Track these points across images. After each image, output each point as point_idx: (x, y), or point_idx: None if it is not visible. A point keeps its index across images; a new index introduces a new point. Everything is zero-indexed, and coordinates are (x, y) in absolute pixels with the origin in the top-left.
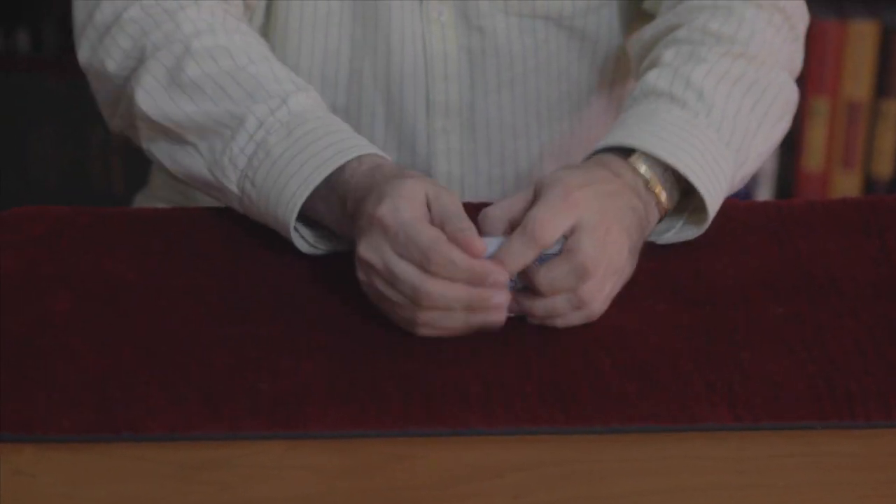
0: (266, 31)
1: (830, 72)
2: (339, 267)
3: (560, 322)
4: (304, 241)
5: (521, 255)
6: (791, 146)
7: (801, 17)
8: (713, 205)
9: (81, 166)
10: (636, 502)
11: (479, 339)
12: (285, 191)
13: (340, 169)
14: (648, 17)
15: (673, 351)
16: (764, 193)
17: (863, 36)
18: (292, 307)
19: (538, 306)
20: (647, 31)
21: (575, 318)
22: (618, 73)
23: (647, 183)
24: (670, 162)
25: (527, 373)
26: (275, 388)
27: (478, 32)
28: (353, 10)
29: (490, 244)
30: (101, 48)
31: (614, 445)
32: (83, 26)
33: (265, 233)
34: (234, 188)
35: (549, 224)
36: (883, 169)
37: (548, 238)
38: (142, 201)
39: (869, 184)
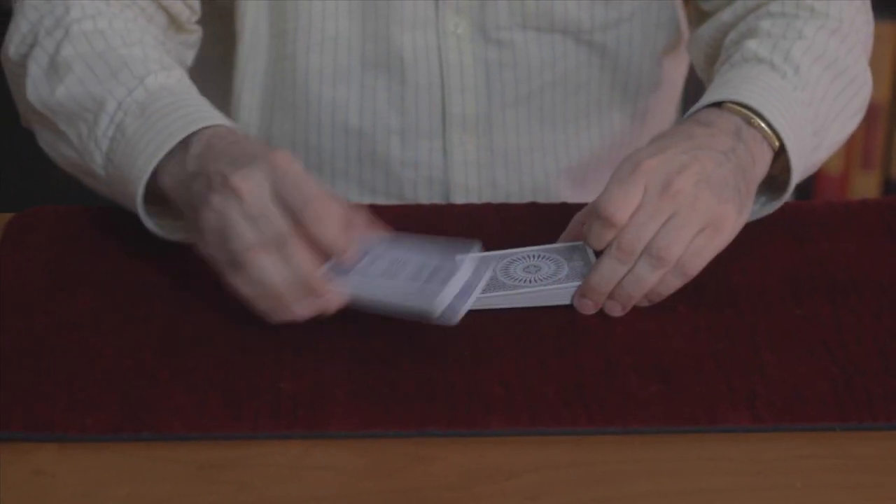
0: (274, 54)
1: None
2: None
3: (660, 290)
4: (153, 223)
5: (600, 235)
6: None
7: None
8: (796, 177)
9: None
10: (656, 503)
11: (501, 341)
12: (134, 168)
13: (185, 141)
14: (667, 30)
15: (694, 352)
16: None
17: (881, 37)
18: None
19: (624, 287)
20: (712, 23)
21: (670, 280)
22: (640, 89)
23: (748, 119)
24: (775, 125)
25: (548, 374)
26: (295, 388)
27: (495, 45)
28: (362, 28)
29: (464, 263)
30: (8, 34)
31: (634, 446)
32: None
33: None
34: (101, 172)
35: (620, 199)
36: None
37: (621, 214)
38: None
39: (888, 185)
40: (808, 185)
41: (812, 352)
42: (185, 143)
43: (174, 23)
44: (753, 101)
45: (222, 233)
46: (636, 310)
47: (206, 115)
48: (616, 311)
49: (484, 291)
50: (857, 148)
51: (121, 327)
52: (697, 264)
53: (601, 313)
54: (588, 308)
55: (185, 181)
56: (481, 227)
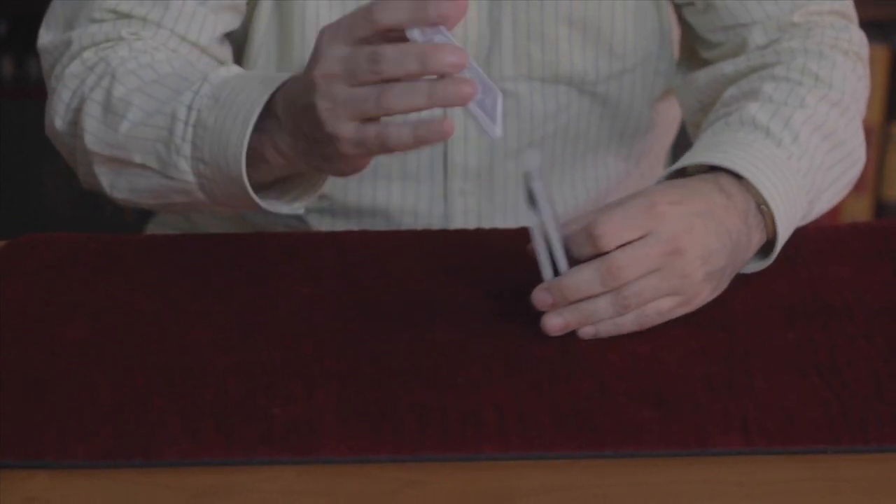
0: None
1: None
2: (352, 293)
3: (605, 328)
4: (273, 200)
5: (581, 246)
6: None
7: (868, 64)
8: (781, 243)
9: (93, 195)
10: None
11: (494, 366)
12: (229, 148)
13: (271, 101)
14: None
15: (687, 376)
16: None
17: (874, 61)
18: (305, 333)
19: (580, 308)
20: (711, 72)
21: (620, 323)
22: (636, 134)
23: (759, 205)
24: (770, 202)
25: (541, 399)
26: (287, 414)
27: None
28: None
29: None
30: (50, 109)
31: (627, 470)
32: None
33: (276, 258)
34: (191, 178)
35: (618, 228)
36: (894, 192)
37: (609, 242)
38: (153, 229)
39: (880, 208)
40: None
41: (805, 376)
42: (269, 108)
43: None
44: (759, 184)
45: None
46: (629, 334)
47: (277, 77)
48: (557, 328)
49: None
50: None
51: (113, 355)
52: (652, 321)
53: (594, 339)
54: (544, 303)
55: (295, 119)
56: (479, 253)
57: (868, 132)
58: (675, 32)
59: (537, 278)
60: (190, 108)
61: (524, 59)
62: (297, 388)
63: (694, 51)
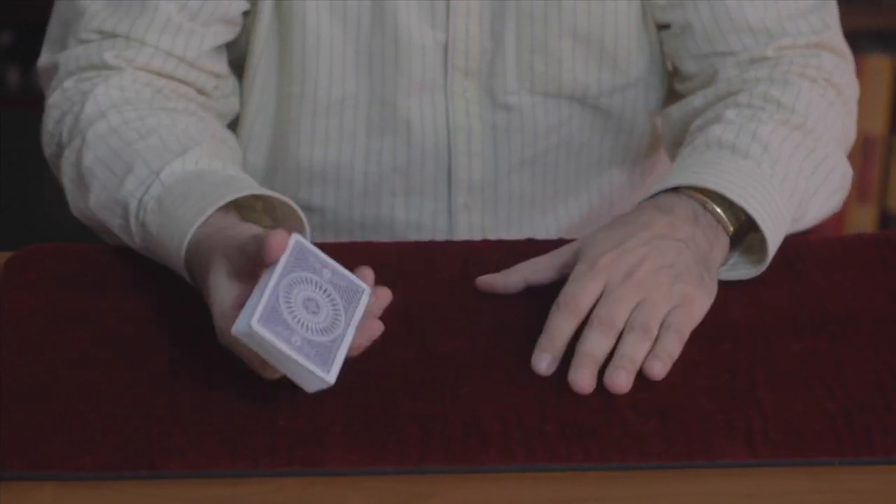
0: (280, 118)
1: None
2: None
3: (662, 351)
4: None
5: (564, 326)
6: None
7: (853, 92)
8: (774, 241)
9: None
10: None
11: (498, 379)
12: (171, 256)
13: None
14: (661, 91)
15: (691, 388)
16: None
17: (877, 71)
18: None
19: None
20: (682, 106)
21: (667, 341)
22: (640, 148)
23: (704, 204)
24: (730, 196)
25: (545, 412)
26: (293, 427)
27: (503, 109)
28: (370, 91)
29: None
30: (42, 137)
31: (633, 482)
32: None
33: None
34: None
35: (581, 296)
36: None
37: (580, 303)
38: None
39: (885, 218)
40: None
41: (810, 387)
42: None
43: (202, 92)
44: (710, 183)
45: None
46: None
47: (227, 186)
48: (622, 380)
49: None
50: (853, 181)
51: (118, 366)
52: (687, 323)
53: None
54: (586, 379)
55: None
56: (482, 264)
57: (872, 143)
58: None
59: (543, 289)
60: (140, 204)
61: (527, 73)
62: (301, 400)
63: (671, 86)
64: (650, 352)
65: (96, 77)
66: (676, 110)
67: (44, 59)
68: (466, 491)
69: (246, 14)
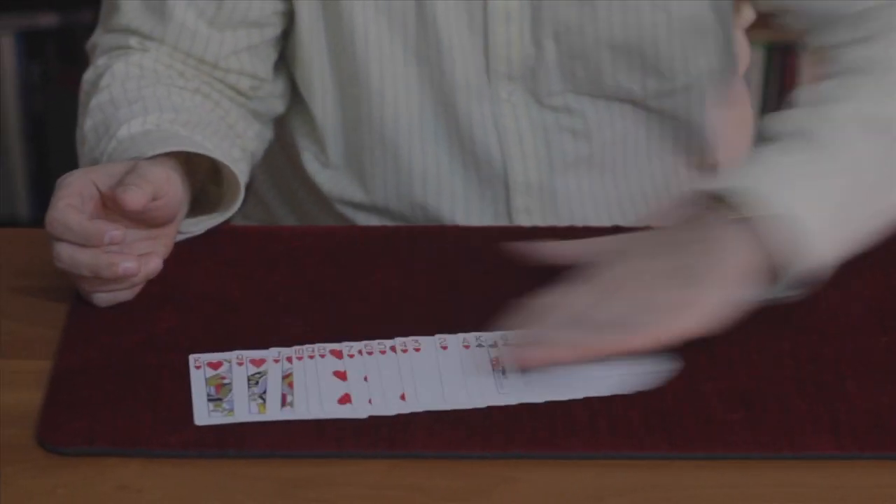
0: (346, 119)
1: None
2: (445, 286)
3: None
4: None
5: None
6: None
7: None
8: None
9: None
10: None
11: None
12: None
13: None
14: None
15: (777, 379)
16: None
17: None
18: (396, 326)
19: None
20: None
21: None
22: (701, 152)
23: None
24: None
25: (631, 400)
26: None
27: (550, 110)
28: (419, 93)
29: None
30: None
31: (715, 472)
32: None
33: (367, 250)
34: None
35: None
36: None
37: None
38: (237, 221)
39: None
40: None
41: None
42: None
43: (233, 88)
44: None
45: None
46: (718, 336)
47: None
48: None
49: None
50: None
51: (204, 345)
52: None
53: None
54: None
55: None
56: None
57: None
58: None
59: None
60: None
61: (570, 76)
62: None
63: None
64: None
65: (123, 54)
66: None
67: (91, 39)
68: (552, 476)
69: (284, 16)
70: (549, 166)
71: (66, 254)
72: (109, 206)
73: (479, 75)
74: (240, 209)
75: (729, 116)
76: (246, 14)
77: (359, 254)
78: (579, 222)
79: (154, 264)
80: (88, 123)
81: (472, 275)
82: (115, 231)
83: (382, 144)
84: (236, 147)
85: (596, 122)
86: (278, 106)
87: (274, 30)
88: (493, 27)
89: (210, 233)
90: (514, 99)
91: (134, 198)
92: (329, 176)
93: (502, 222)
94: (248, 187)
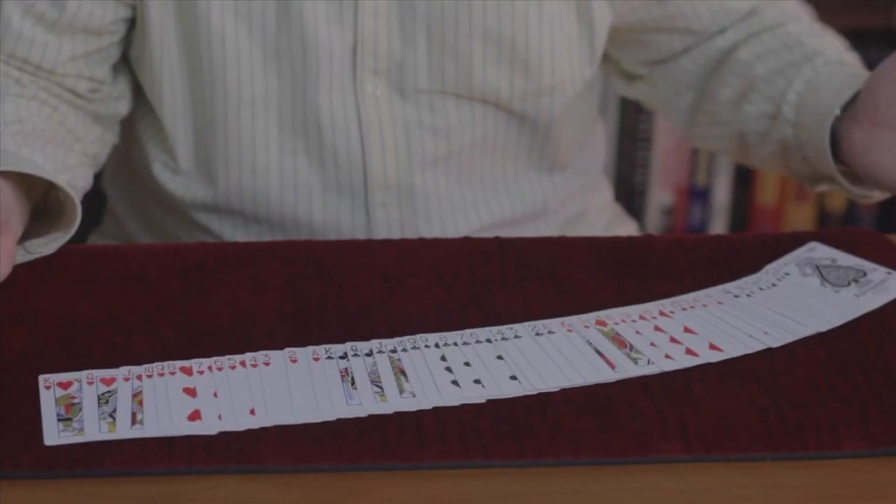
0: (197, 122)
1: None
2: (294, 303)
3: None
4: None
5: None
6: (746, 180)
7: None
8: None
9: None
10: None
11: None
12: None
13: None
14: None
15: (626, 384)
16: (718, 226)
17: None
18: (247, 341)
19: None
20: (691, 58)
21: None
22: (560, 153)
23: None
24: None
25: (481, 407)
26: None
27: (413, 106)
28: (279, 92)
29: None
30: None
31: (567, 478)
32: None
33: (217, 267)
34: None
35: None
36: (836, 203)
37: None
38: (94, 240)
39: (822, 217)
40: (743, 217)
41: (742, 382)
42: None
43: (72, 91)
44: None
45: None
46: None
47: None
48: None
49: None
50: (791, 180)
51: (56, 365)
52: None
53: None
54: None
55: None
56: (420, 261)
57: None
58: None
59: (480, 284)
60: None
61: (438, 73)
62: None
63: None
64: None
65: None
66: (688, 60)
67: None
68: (403, 487)
69: (126, 22)
70: (409, 163)
71: None
72: None
73: (343, 70)
74: (97, 228)
75: None
76: (87, 21)
77: (209, 271)
78: (436, 220)
79: None
80: None
81: (322, 288)
82: None
83: (237, 145)
84: (74, 153)
85: (457, 123)
86: (120, 107)
87: (114, 36)
88: (363, 21)
89: (61, 252)
90: (379, 93)
91: None
92: (180, 182)
93: (360, 218)
94: (104, 206)
